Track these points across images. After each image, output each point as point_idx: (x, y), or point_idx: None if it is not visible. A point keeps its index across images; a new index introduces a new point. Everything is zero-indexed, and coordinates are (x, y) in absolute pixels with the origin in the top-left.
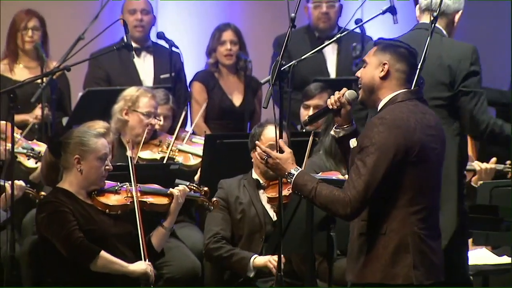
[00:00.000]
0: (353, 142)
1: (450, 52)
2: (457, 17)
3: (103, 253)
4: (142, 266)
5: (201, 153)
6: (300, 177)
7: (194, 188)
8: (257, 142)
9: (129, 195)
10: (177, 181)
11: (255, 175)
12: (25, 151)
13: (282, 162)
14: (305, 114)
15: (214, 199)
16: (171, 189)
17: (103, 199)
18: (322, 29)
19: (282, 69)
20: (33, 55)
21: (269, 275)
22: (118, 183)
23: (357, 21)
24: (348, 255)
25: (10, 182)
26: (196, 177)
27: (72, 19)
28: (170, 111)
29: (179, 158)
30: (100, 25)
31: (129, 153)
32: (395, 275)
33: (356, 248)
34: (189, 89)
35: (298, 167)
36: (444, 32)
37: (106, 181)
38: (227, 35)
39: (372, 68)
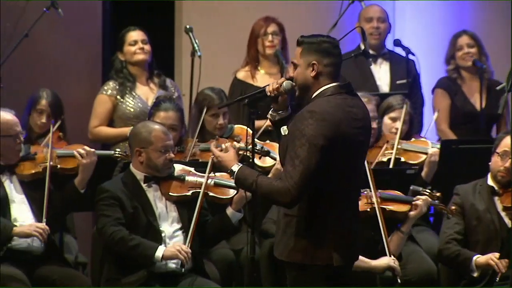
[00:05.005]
0: (284, 130)
1: None
2: None
3: None
4: (385, 260)
5: (425, 150)
6: (241, 173)
7: (427, 194)
8: (212, 143)
9: (370, 201)
10: (412, 187)
11: (490, 181)
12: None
13: (223, 160)
14: None
15: (453, 207)
16: (415, 201)
17: None
18: None
19: None
20: (274, 60)
21: None
22: None
23: None
24: (275, 233)
25: None
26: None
27: (310, 25)
28: (407, 116)
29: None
30: (339, 30)
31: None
32: (315, 256)
33: (281, 227)
34: (423, 96)
35: (239, 164)
36: None
37: None
38: (462, 40)
39: (303, 69)
